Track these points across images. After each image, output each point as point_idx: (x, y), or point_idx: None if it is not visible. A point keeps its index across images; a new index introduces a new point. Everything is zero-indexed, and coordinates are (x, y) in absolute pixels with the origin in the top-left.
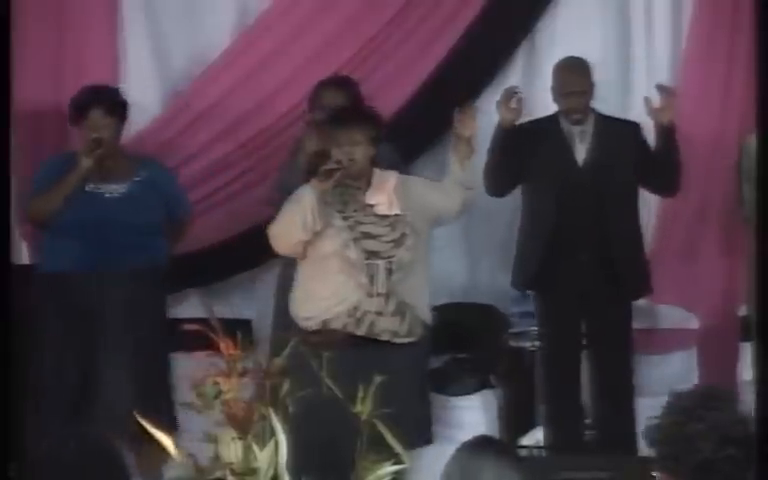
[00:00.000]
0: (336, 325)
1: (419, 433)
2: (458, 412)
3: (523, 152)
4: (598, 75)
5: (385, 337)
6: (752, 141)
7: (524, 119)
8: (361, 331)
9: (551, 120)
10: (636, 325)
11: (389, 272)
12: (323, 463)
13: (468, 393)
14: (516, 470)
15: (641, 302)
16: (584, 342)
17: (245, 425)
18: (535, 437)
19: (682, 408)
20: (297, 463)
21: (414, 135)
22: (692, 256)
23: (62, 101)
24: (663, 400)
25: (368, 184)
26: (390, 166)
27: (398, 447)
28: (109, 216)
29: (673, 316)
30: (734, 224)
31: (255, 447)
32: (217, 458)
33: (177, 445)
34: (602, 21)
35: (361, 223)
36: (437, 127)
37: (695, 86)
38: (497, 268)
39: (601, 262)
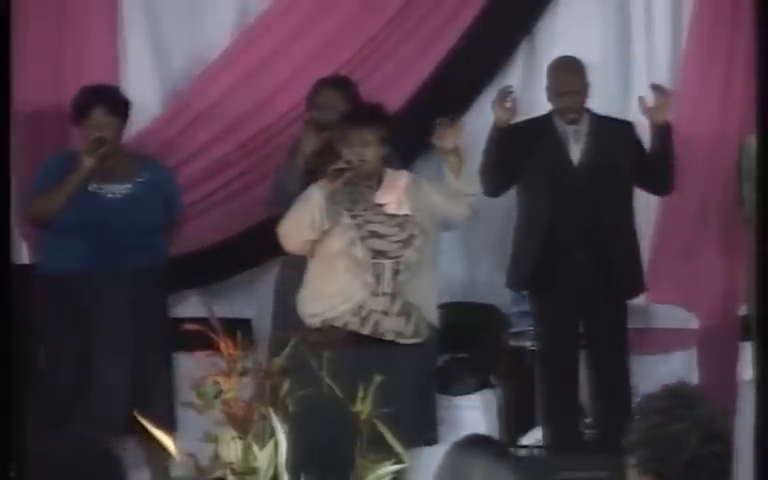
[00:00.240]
0: (339, 323)
1: (421, 433)
2: (458, 412)
3: (518, 152)
4: (598, 75)
5: (390, 337)
6: (752, 141)
7: (519, 118)
8: (366, 330)
9: (546, 120)
10: (636, 325)
11: (396, 272)
12: (323, 462)
13: (468, 393)
14: (507, 468)
15: (641, 302)
16: (581, 342)
17: (245, 425)
18: (535, 437)
19: (658, 409)
20: (297, 462)
21: (414, 135)
22: (692, 256)
23: (62, 101)
24: None
25: (379, 183)
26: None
27: (398, 447)
28: (112, 217)
29: (673, 316)
30: (734, 224)
31: (255, 447)
32: (217, 457)
33: (177, 445)
34: (602, 21)
35: (370, 222)
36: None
37: (695, 86)
38: (497, 268)
39: (597, 262)
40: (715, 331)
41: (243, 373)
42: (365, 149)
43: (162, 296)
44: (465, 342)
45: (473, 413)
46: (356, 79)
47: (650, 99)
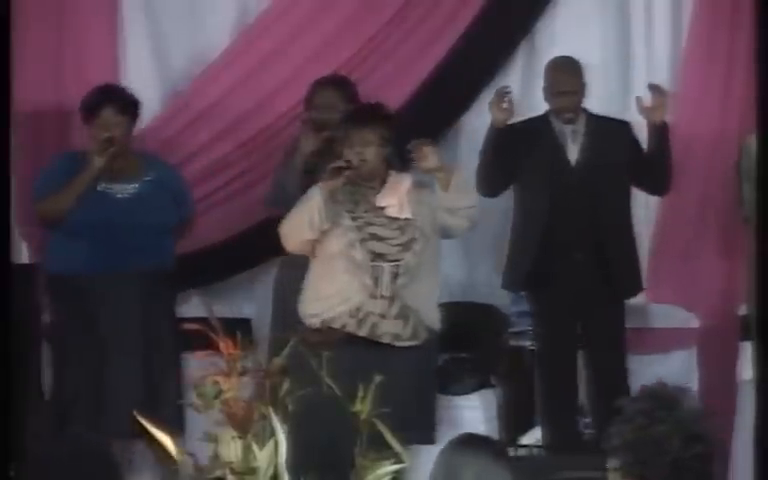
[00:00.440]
0: (337, 324)
1: (419, 434)
2: (458, 411)
3: (515, 152)
4: (598, 75)
5: (386, 340)
6: (752, 141)
7: (517, 119)
8: (363, 332)
9: (543, 120)
10: (636, 325)
11: (394, 275)
12: (323, 462)
13: (468, 392)
14: (502, 467)
15: (640, 302)
16: (580, 342)
17: (245, 424)
18: (535, 436)
19: (639, 411)
20: (297, 462)
21: (413, 135)
22: (692, 256)
23: (62, 101)
24: None
25: (382, 185)
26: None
27: (397, 446)
28: (119, 216)
29: (673, 316)
30: (734, 224)
31: (255, 446)
32: (217, 457)
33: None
34: (602, 21)
35: (370, 224)
36: (436, 127)
37: (695, 86)
38: (496, 268)
39: (594, 261)
40: (715, 331)
41: (243, 373)
42: (366, 149)
43: (170, 297)
44: (465, 342)
45: (473, 413)
46: (355, 79)
47: (647, 99)
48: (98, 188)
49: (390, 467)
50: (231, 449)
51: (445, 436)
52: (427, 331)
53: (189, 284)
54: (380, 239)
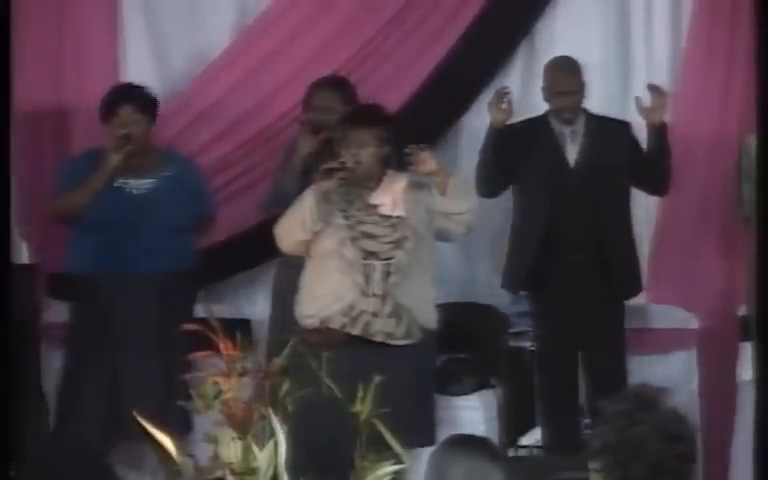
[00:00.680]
0: (331, 323)
1: (417, 434)
2: (457, 412)
3: (515, 152)
4: (597, 75)
5: (379, 338)
6: (751, 141)
7: (516, 119)
8: (356, 331)
9: (542, 120)
10: (635, 325)
11: (386, 274)
12: (322, 463)
13: (467, 393)
14: (492, 467)
15: (640, 302)
16: (580, 342)
17: (245, 425)
18: (535, 437)
19: (619, 413)
20: (296, 463)
21: (413, 135)
22: (692, 256)
23: (62, 101)
24: None
25: (378, 184)
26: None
27: (397, 447)
28: (135, 213)
29: (673, 316)
30: (734, 224)
31: (254, 447)
32: (217, 458)
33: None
34: (601, 21)
35: (362, 222)
36: (436, 127)
37: (695, 86)
38: (496, 268)
39: (594, 262)
40: (715, 331)
41: (242, 373)
42: (361, 150)
43: (189, 296)
44: (464, 342)
45: (472, 413)
46: (355, 80)
47: (647, 99)
48: (115, 184)
49: (390, 468)
50: (231, 450)
51: (444, 437)
52: (421, 330)
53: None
54: (372, 237)
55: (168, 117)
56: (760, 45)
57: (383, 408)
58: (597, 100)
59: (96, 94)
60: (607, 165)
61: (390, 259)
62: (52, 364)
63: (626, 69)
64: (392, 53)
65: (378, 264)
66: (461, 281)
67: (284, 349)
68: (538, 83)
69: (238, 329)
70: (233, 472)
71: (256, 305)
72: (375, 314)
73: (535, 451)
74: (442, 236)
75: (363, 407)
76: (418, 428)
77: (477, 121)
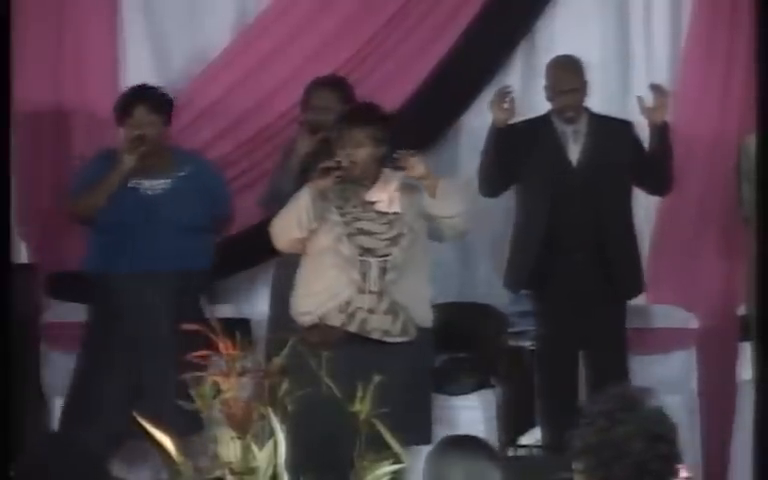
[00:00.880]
0: (327, 321)
1: (413, 433)
2: (457, 412)
3: (516, 152)
4: (597, 75)
5: (376, 336)
6: (751, 141)
7: (519, 118)
8: (353, 328)
9: (544, 120)
10: (635, 325)
11: (383, 270)
12: (322, 462)
13: (467, 393)
14: (490, 467)
15: (640, 302)
16: (581, 342)
17: (244, 425)
18: (534, 437)
19: (601, 413)
20: (296, 462)
21: (413, 134)
22: (692, 256)
23: (62, 101)
24: (663, 400)
25: (374, 182)
26: None
27: (397, 446)
28: (150, 213)
29: (673, 316)
30: (734, 224)
31: (254, 446)
32: (216, 457)
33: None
34: (601, 20)
35: (358, 219)
36: (436, 126)
37: (694, 86)
38: (496, 267)
39: (595, 262)
40: (714, 331)
41: (242, 373)
42: (357, 150)
43: (206, 298)
44: (464, 342)
45: (472, 413)
46: (355, 79)
47: (649, 99)
48: (129, 185)
49: (389, 467)
50: (230, 449)
51: (441, 437)
52: (417, 328)
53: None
54: (368, 234)
55: None
56: (760, 45)
57: (381, 407)
58: (597, 100)
59: (96, 94)
60: (609, 164)
61: (386, 256)
62: (53, 364)
63: (626, 69)
64: (392, 52)
65: (374, 261)
66: (461, 281)
67: (283, 348)
68: (538, 82)
69: (237, 329)
70: (232, 471)
71: (256, 305)
72: (371, 311)
73: (534, 451)
74: (434, 237)
75: (362, 407)
76: (414, 426)
77: (477, 120)
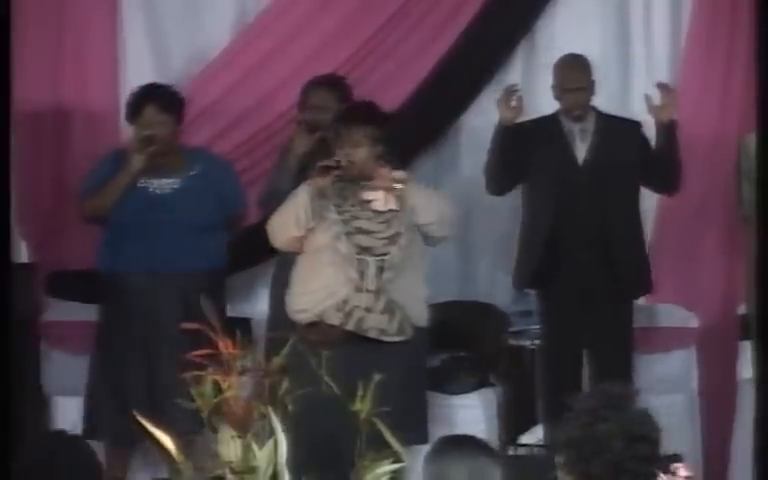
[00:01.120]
0: (328, 320)
1: (410, 432)
2: (457, 411)
3: (523, 151)
4: (597, 74)
5: (373, 334)
6: (750, 140)
7: (524, 118)
8: (350, 326)
9: (552, 119)
10: (636, 324)
11: (380, 269)
12: (322, 461)
13: (467, 392)
14: (493, 465)
15: (640, 301)
16: (586, 341)
17: (244, 424)
18: (535, 436)
19: (585, 410)
20: (297, 461)
21: (413, 134)
22: (691, 255)
23: (62, 101)
24: (664, 399)
25: (371, 181)
26: None
27: (397, 446)
28: (160, 213)
29: (673, 315)
30: (734, 224)
31: (254, 446)
32: (216, 456)
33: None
34: (601, 20)
35: (357, 218)
36: (436, 125)
37: (694, 85)
38: (496, 266)
39: (601, 261)
40: (715, 330)
41: (242, 372)
42: (355, 150)
43: (219, 296)
44: (464, 341)
45: (472, 412)
46: (355, 78)
47: (656, 97)
48: (139, 184)
49: (389, 466)
50: (231, 448)
51: (438, 437)
52: (413, 327)
53: None
54: (366, 233)
55: None
56: (760, 45)
57: (377, 406)
58: (597, 99)
59: (96, 94)
60: (616, 163)
61: (384, 255)
62: (53, 363)
63: (626, 68)
64: (392, 52)
65: (372, 260)
66: (461, 279)
67: (283, 347)
68: (538, 81)
69: (238, 328)
70: (233, 471)
71: (256, 304)
72: (368, 310)
73: (535, 450)
74: (427, 236)
75: (363, 406)
76: (411, 426)
77: (477, 120)
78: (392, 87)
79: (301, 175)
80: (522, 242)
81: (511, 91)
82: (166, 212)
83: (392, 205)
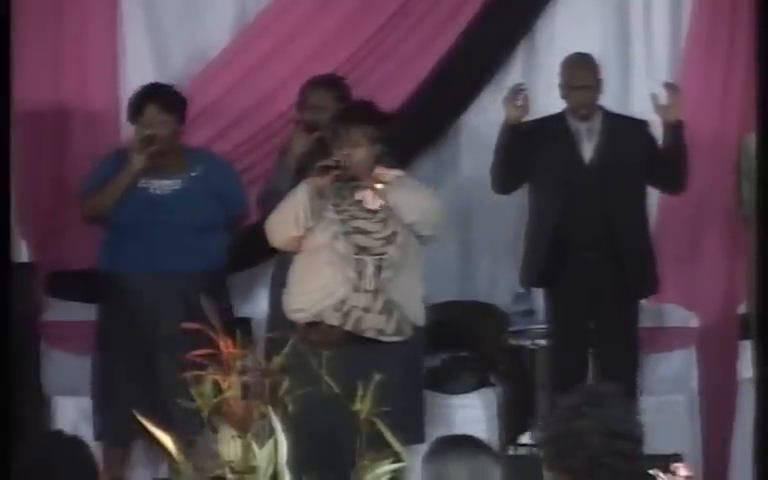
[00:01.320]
0: (326, 320)
1: (407, 432)
2: (457, 410)
3: (530, 150)
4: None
5: (370, 334)
6: (750, 140)
7: (529, 117)
8: (348, 326)
9: (558, 118)
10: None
11: (378, 269)
12: (323, 461)
13: (467, 391)
14: (493, 465)
15: (641, 301)
16: (592, 340)
17: (244, 423)
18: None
19: (567, 406)
20: (298, 461)
21: (413, 133)
22: (692, 255)
23: (62, 101)
24: (664, 399)
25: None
26: None
27: (397, 445)
28: (163, 213)
29: (673, 314)
30: (734, 224)
31: (254, 445)
32: (216, 456)
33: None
34: (601, 19)
35: (355, 217)
36: (436, 125)
37: (694, 85)
38: (497, 266)
39: (608, 260)
40: (715, 330)
41: (242, 372)
42: (354, 150)
43: (220, 296)
44: (464, 340)
45: (472, 412)
46: (355, 78)
47: (662, 97)
48: (139, 185)
49: (390, 466)
50: (231, 448)
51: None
52: (411, 327)
53: None
54: (364, 233)
55: None
56: (760, 45)
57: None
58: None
59: (96, 93)
60: (623, 163)
61: (382, 255)
62: (53, 363)
63: (626, 68)
64: (392, 52)
65: (370, 259)
66: (461, 279)
67: (283, 347)
68: (538, 81)
69: (238, 327)
70: (233, 470)
71: (256, 303)
72: (366, 310)
73: (535, 449)
74: (417, 234)
75: (363, 406)
76: (407, 426)
77: (477, 119)
78: (392, 87)
79: (300, 175)
80: (528, 241)
81: (517, 90)
82: (166, 213)
83: (378, 203)
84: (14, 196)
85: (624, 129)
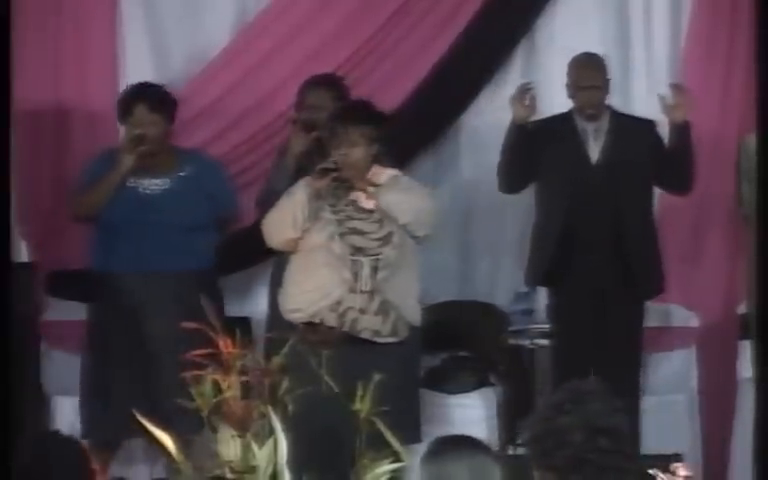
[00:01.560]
0: (317, 320)
1: (404, 431)
2: (457, 410)
3: (537, 150)
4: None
5: (366, 336)
6: (750, 140)
7: (539, 116)
8: (344, 328)
9: (565, 118)
10: None
11: (374, 270)
12: (323, 460)
13: (467, 391)
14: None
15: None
16: (596, 340)
17: (244, 423)
18: None
19: (551, 405)
20: (297, 461)
21: (413, 133)
22: (692, 255)
23: (62, 101)
24: (664, 398)
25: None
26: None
27: (397, 445)
28: (152, 213)
29: (673, 314)
30: (734, 224)
31: (254, 445)
32: (216, 456)
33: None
34: (601, 19)
35: (351, 218)
36: (436, 125)
37: (694, 86)
38: (497, 266)
39: (614, 260)
40: (715, 330)
41: (242, 372)
42: (351, 150)
43: (211, 298)
44: (464, 340)
45: (472, 412)
46: (355, 78)
47: (670, 97)
48: (128, 184)
49: (389, 466)
50: (230, 448)
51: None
52: (408, 327)
53: None
54: (360, 233)
55: None
56: (760, 45)
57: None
58: None
59: (96, 93)
60: (630, 163)
61: (378, 255)
62: (53, 362)
63: (625, 68)
64: (392, 51)
65: (366, 260)
66: (461, 279)
67: (282, 347)
68: (538, 80)
69: (237, 327)
70: (232, 470)
71: (255, 303)
72: (362, 311)
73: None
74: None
75: (363, 405)
76: (404, 426)
77: (477, 119)
78: (392, 87)
79: (298, 175)
80: (534, 241)
81: (525, 89)
82: (155, 212)
83: (371, 204)
84: (14, 196)
85: (631, 129)
